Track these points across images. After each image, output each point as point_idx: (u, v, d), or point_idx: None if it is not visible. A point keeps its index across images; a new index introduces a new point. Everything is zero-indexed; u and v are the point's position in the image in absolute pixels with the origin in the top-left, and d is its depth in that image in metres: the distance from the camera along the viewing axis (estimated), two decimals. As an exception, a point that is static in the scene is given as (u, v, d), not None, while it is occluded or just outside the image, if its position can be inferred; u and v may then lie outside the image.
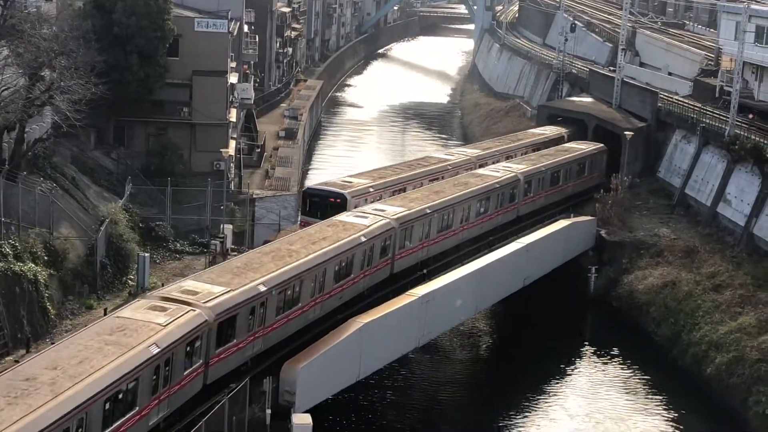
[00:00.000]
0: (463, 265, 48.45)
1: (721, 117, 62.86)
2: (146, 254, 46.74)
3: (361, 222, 42.16)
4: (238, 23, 72.35)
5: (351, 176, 53.52)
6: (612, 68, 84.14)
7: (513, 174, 56.00)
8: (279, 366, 34.74)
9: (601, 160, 66.25)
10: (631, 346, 52.26)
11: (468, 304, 47.25)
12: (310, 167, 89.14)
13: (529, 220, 58.04)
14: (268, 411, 32.98)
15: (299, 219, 52.38)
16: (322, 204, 48.44)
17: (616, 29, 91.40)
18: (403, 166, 57.81)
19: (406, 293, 42.83)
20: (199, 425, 29.37)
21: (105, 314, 37.74)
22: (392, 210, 44.83)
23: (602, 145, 66.44)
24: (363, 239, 40.54)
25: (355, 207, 47.01)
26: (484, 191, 52.36)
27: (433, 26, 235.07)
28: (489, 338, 53.85)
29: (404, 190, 52.21)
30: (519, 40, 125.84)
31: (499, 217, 54.72)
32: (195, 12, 66.13)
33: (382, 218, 43.27)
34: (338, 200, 48.21)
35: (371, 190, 50.35)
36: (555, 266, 55.66)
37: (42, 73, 47.51)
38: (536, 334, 54.21)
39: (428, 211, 46.60)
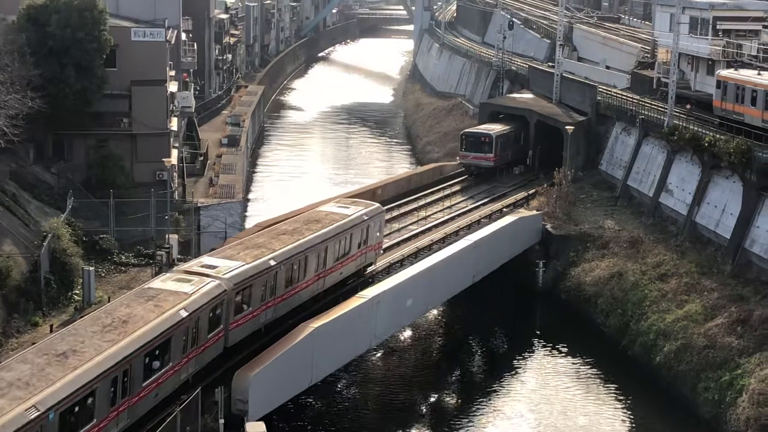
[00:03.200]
0: (412, 264, 48.58)
1: (660, 108, 63.70)
2: (91, 268, 46.11)
3: (183, 289, 33.40)
4: (176, 31, 71.73)
5: None
6: (551, 64, 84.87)
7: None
8: (230, 375, 34.54)
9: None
10: (581, 337, 52.74)
11: (418, 303, 47.38)
12: (255, 173, 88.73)
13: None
14: (221, 421, 32.73)
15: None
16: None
17: (554, 25, 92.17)
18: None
19: (356, 295, 42.82)
20: (152, 439, 29.09)
21: (51, 331, 37.19)
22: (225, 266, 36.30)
23: (377, 205, 48.62)
24: (183, 314, 31.94)
25: None
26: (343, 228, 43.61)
27: (372, 28, 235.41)
28: (441, 336, 53.97)
29: None
30: (458, 39, 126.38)
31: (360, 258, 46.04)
32: (131, 22, 65.41)
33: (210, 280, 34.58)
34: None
35: None
36: (503, 262, 55.99)
37: (-24, 89, 46.65)
38: (487, 330, 54.55)
39: (273, 263, 38.05)
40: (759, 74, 55.75)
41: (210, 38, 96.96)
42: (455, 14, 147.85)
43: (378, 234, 47.24)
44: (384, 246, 51.93)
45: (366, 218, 45.14)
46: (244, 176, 75.16)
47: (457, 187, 67.17)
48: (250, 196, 78.90)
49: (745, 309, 45.82)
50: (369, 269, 47.57)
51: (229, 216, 59.31)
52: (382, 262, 49.08)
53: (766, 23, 66.65)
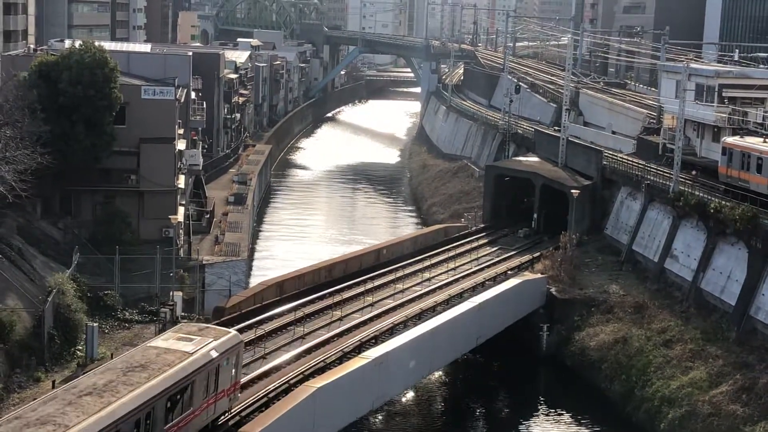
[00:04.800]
0: (416, 325, 48.39)
1: (665, 174, 63.90)
2: (95, 324, 46.06)
3: None
4: (185, 90, 72.42)
5: None
6: (557, 128, 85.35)
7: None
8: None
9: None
10: (585, 403, 52.27)
11: (422, 365, 47.10)
12: (261, 231, 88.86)
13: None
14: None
15: None
16: None
17: (560, 90, 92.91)
18: None
19: (359, 356, 42.59)
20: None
21: (53, 387, 36.98)
22: None
23: (232, 333, 36.75)
24: None
25: None
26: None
27: (380, 90, 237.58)
28: (443, 399, 53.56)
29: None
30: (465, 102, 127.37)
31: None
32: (142, 80, 66.08)
33: None
34: None
35: None
36: (507, 325, 55.75)
37: (-13, 144, 47.02)
38: (490, 394, 54.10)
39: None
40: (764, 141, 56.04)
41: (219, 97, 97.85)
42: (462, 77, 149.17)
43: (233, 373, 35.34)
44: (388, 307, 51.88)
45: (215, 356, 33.60)
46: (249, 234, 75.27)
47: (462, 249, 67.16)
48: (256, 254, 78.92)
49: (750, 377, 45.53)
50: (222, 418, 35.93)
51: (233, 274, 59.30)
52: (385, 323, 48.88)
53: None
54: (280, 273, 59.02)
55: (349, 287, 55.35)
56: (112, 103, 59.80)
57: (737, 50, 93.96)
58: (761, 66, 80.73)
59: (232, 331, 37.44)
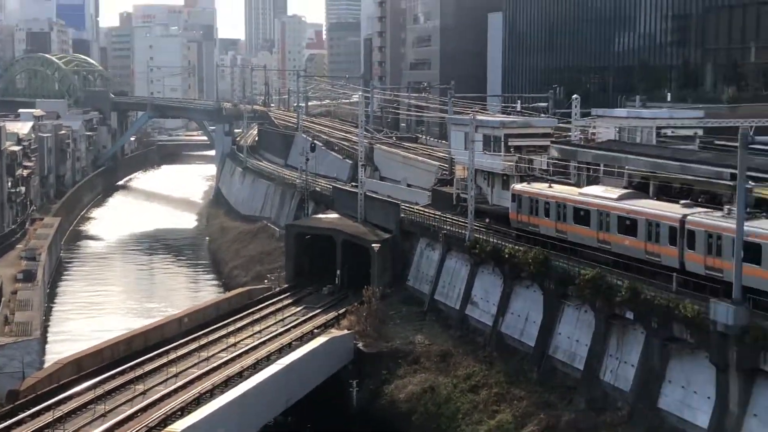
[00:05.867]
0: (223, 393, 47.14)
1: (461, 223, 65.46)
2: None
3: None
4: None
5: None
6: (354, 184, 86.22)
7: None
8: None
9: None
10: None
11: (231, 434, 45.82)
12: (54, 308, 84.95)
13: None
14: None
15: None
16: None
17: (355, 146, 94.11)
18: None
19: (165, 429, 41.01)
20: None
21: None
22: None
23: None
24: None
25: None
26: None
27: (173, 154, 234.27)
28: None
29: None
30: (261, 163, 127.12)
31: None
32: None
33: None
34: None
35: None
36: (316, 384, 55.26)
37: None
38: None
39: None
40: (550, 187, 58.30)
41: (2, 171, 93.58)
42: (257, 138, 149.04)
43: None
44: (194, 376, 50.46)
45: None
46: (41, 312, 71.82)
47: (266, 311, 66.34)
48: (50, 332, 75.29)
49: (554, 415, 46.81)
50: None
51: (26, 355, 56.30)
52: (191, 393, 47.40)
53: (553, 139, 70.22)
54: (77, 350, 56.39)
55: (151, 359, 53.56)
56: None
57: (519, 101, 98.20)
58: (542, 115, 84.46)
59: None
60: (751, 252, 40.10)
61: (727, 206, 46.06)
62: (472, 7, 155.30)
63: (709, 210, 47.02)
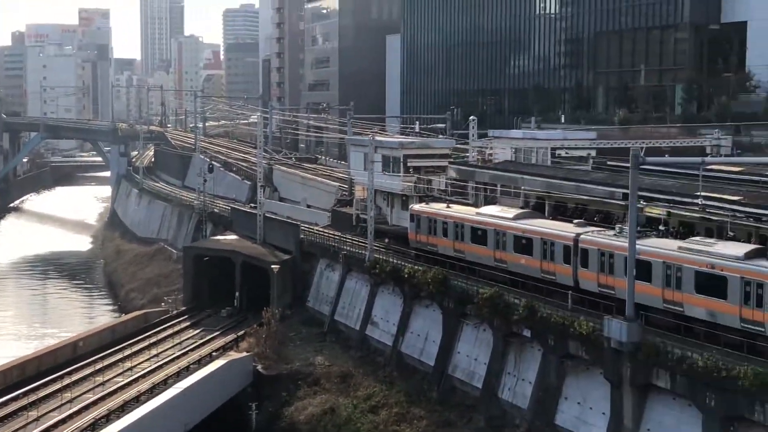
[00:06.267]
0: (119, 418, 46.20)
1: (360, 243, 65.63)
2: None
3: None
4: None
5: None
6: (253, 205, 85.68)
7: None
8: None
9: None
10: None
11: (128, 461, 44.91)
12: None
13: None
14: None
15: None
16: None
17: (253, 167, 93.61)
18: None
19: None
20: None
21: None
22: None
23: None
24: None
25: None
26: None
27: (67, 176, 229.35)
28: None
29: None
30: (158, 184, 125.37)
31: None
32: None
33: None
34: None
35: None
36: (215, 407, 54.54)
37: None
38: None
39: None
40: (447, 207, 58.93)
41: None
42: (153, 159, 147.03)
43: None
44: (89, 401, 49.37)
45: None
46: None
47: (164, 334, 65.32)
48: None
49: (454, 434, 47.11)
50: None
51: None
52: (86, 419, 46.32)
53: (451, 160, 71.10)
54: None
55: (45, 385, 52.21)
56: None
57: (417, 122, 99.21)
58: (440, 136, 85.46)
59: None
60: (642, 270, 41.19)
61: (619, 225, 47.32)
62: (370, 29, 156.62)
63: (601, 229, 48.19)
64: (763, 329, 37.54)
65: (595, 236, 46.63)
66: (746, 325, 38.14)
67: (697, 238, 43.76)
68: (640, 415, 40.06)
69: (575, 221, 50.69)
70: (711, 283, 39.62)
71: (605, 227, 48.80)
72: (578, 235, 47.26)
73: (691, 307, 40.52)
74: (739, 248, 40.07)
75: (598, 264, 45.41)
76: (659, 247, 42.52)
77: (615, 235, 45.78)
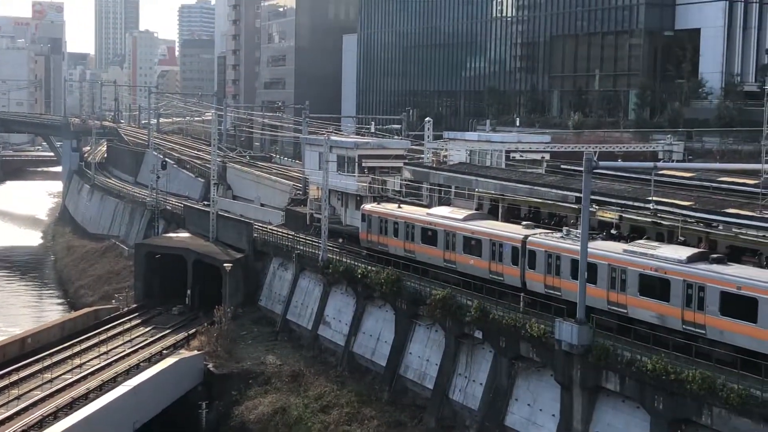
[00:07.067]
0: (67, 415, 45.69)
1: (314, 243, 65.51)
2: None
3: None
4: None
5: None
6: (206, 203, 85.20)
7: None
8: None
9: None
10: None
11: (75, 459, 44.43)
12: None
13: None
14: None
15: None
16: None
17: (207, 164, 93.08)
18: None
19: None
20: None
21: None
22: None
23: None
24: None
25: None
26: None
27: (18, 170, 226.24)
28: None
29: None
30: (110, 180, 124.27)
31: None
32: None
33: None
34: None
35: None
36: (165, 406, 54.15)
37: None
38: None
39: None
40: (399, 207, 59.00)
41: None
42: (106, 155, 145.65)
43: None
44: (36, 398, 48.75)
45: None
46: None
47: (114, 331, 64.70)
48: None
49: (405, 434, 47.17)
50: None
51: None
52: (34, 416, 45.74)
53: (406, 161, 71.23)
54: None
55: (-9, 381, 51.47)
56: None
57: (373, 122, 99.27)
58: (395, 137, 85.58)
59: None
60: (589, 272, 41.53)
61: (566, 228, 47.75)
62: (327, 28, 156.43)
63: (549, 231, 48.57)
64: (704, 332, 38.03)
65: (542, 238, 47.00)
66: (688, 328, 38.63)
67: (642, 241, 44.24)
68: (590, 417, 40.37)
69: (524, 223, 51.09)
70: (654, 286, 40.08)
71: (554, 230, 49.19)
72: (526, 236, 47.61)
73: (635, 309, 40.96)
74: (683, 251, 40.55)
75: (545, 266, 45.78)
76: (605, 249, 42.93)
77: (562, 237, 46.17)
